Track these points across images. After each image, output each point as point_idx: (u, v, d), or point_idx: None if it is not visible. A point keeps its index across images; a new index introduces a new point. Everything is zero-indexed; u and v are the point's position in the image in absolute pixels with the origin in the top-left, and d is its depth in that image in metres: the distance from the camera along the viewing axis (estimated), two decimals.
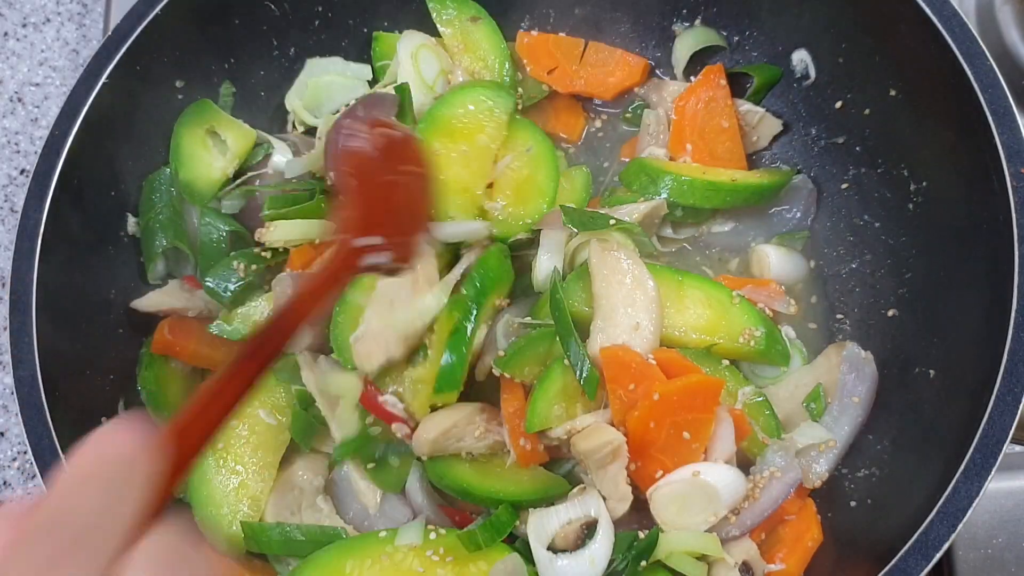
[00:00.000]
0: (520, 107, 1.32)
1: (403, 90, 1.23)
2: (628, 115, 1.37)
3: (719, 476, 1.05)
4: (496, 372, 1.11)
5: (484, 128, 1.22)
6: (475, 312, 1.10)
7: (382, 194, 0.95)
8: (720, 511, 1.06)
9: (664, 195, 1.22)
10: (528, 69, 1.35)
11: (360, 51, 1.37)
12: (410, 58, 1.30)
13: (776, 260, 1.25)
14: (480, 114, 1.23)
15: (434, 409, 1.12)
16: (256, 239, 1.20)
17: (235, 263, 1.20)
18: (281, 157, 1.27)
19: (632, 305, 1.11)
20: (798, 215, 1.29)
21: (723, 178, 1.23)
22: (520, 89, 1.34)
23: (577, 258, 1.20)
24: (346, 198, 0.92)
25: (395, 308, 1.09)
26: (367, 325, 1.09)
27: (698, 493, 1.05)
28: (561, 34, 1.37)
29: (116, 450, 0.52)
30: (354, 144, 0.97)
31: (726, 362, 1.16)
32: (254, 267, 1.21)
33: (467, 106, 1.23)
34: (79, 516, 0.49)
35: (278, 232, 1.17)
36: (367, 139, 0.98)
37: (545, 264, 1.17)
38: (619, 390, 1.07)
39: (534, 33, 1.36)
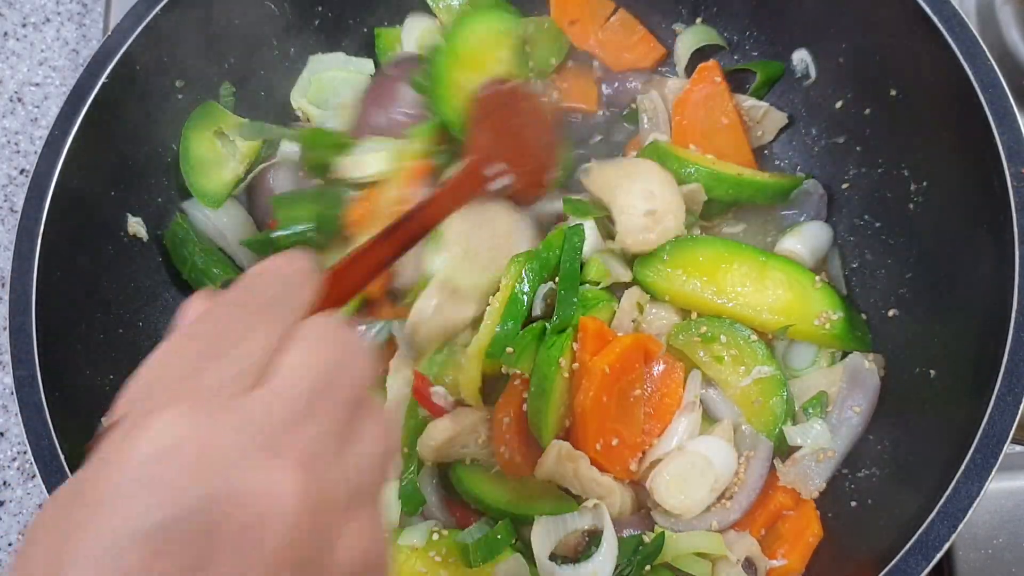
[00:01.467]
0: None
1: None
2: (625, 114, 1.36)
3: (706, 447, 1.09)
4: (505, 370, 1.11)
5: (498, 54, 1.23)
6: (530, 279, 1.11)
7: (510, 129, 1.14)
8: (720, 479, 1.08)
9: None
10: (552, 11, 1.34)
11: (360, 49, 1.37)
12: (416, 45, 1.30)
13: (802, 245, 1.22)
14: (492, 39, 1.23)
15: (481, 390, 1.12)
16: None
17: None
18: (291, 145, 1.28)
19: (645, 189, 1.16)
20: (809, 219, 1.28)
21: (746, 174, 1.23)
22: (531, 62, 1.33)
23: None
24: (476, 130, 1.12)
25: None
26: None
27: (691, 467, 1.08)
28: None
29: (293, 263, 0.60)
30: (486, 90, 1.15)
31: (754, 337, 1.15)
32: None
33: (479, 33, 1.22)
34: (263, 295, 0.56)
35: (369, 166, 1.20)
36: (497, 88, 1.16)
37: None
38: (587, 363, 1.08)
39: None
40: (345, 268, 0.75)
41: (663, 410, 1.13)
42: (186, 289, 1.29)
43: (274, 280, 0.58)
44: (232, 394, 0.49)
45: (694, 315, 1.19)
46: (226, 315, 0.54)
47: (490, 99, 1.15)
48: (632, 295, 1.16)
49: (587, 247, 1.16)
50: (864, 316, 1.19)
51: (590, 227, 1.18)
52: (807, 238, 1.23)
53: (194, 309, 0.58)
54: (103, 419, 1.13)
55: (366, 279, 0.77)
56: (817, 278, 1.18)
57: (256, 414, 0.49)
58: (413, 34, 1.31)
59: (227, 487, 0.46)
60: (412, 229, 0.87)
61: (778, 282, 1.16)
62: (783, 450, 1.14)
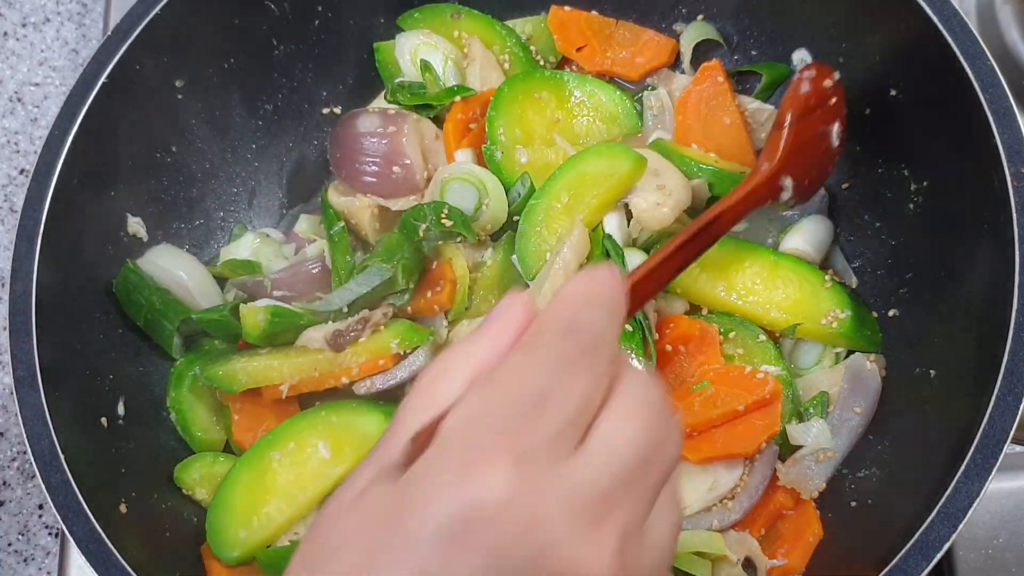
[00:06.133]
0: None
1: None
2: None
3: None
4: None
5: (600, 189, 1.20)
6: None
7: (811, 141, 1.11)
8: (720, 482, 1.08)
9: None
10: (556, 44, 1.34)
11: (361, 49, 1.37)
12: (411, 61, 1.30)
13: (807, 242, 1.22)
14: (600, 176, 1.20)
15: None
16: None
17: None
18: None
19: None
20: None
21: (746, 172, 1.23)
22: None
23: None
24: (784, 134, 1.08)
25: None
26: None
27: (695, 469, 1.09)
28: (593, 12, 1.36)
29: (609, 285, 0.58)
30: (805, 89, 1.09)
31: (763, 337, 1.16)
32: None
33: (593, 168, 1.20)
34: (584, 334, 0.54)
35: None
36: (816, 90, 1.11)
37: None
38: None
39: (567, 9, 1.35)
40: (643, 280, 0.76)
41: (695, 371, 1.15)
42: None
43: (593, 314, 0.56)
44: (556, 456, 0.49)
45: (704, 311, 1.19)
46: (546, 356, 0.52)
47: (809, 98, 1.09)
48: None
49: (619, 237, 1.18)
50: (875, 315, 1.19)
51: (613, 219, 1.19)
52: (809, 234, 1.22)
53: (512, 319, 0.57)
54: (103, 419, 1.13)
55: (659, 289, 0.80)
56: (827, 277, 1.18)
57: (582, 483, 0.49)
58: (406, 53, 1.30)
59: (552, 554, 0.46)
60: (709, 237, 0.91)
61: (788, 281, 1.17)
62: (785, 449, 1.14)
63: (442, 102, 1.27)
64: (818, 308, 1.16)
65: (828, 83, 1.11)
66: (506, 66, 1.33)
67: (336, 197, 1.27)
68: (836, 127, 1.13)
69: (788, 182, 1.09)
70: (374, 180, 1.25)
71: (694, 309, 1.20)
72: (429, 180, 1.26)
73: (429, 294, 1.19)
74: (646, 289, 0.82)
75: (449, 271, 1.19)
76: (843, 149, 1.15)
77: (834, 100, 1.12)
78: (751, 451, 1.10)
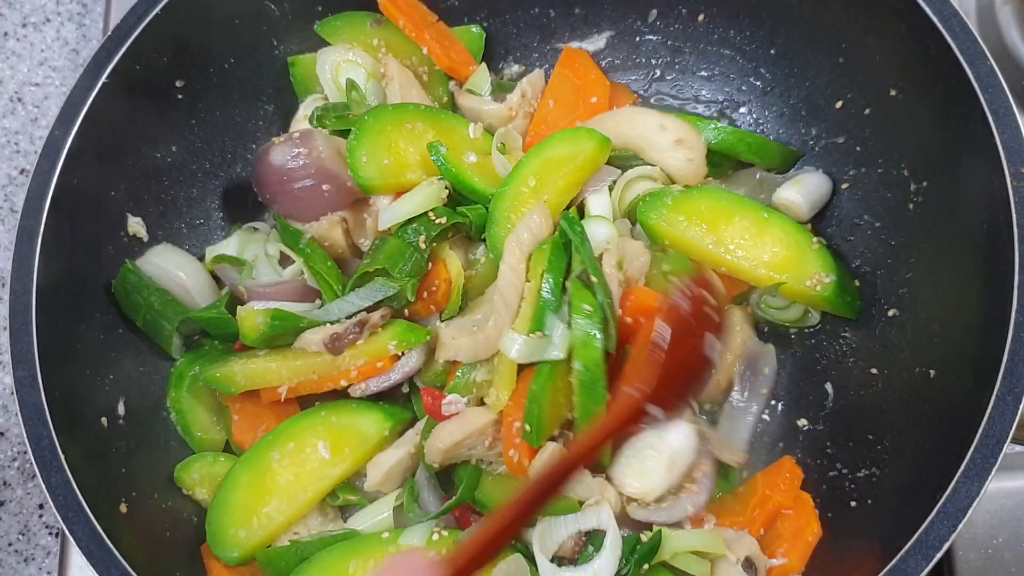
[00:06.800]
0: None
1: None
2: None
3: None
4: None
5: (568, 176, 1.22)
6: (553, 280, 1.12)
7: (682, 362, 0.98)
8: (677, 457, 1.11)
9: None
10: (402, 26, 1.31)
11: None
12: (331, 79, 1.29)
13: (801, 196, 1.23)
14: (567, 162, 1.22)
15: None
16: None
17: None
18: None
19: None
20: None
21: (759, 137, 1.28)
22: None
23: (626, 198, 1.24)
24: (651, 357, 0.95)
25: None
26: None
27: (646, 447, 1.11)
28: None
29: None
30: (680, 307, 0.99)
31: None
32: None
33: (558, 152, 1.22)
34: None
35: (398, 210, 1.18)
36: (691, 307, 1.00)
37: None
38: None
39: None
40: (476, 558, 0.75)
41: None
42: None
43: None
44: None
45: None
46: None
47: (688, 317, 0.99)
48: (612, 256, 1.16)
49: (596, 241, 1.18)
50: (856, 283, 1.21)
51: (598, 201, 1.22)
52: (807, 189, 1.24)
53: None
54: (103, 419, 1.13)
55: (499, 550, 0.78)
56: (815, 240, 1.20)
57: None
58: (327, 71, 1.29)
59: None
60: (552, 488, 0.85)
61: (776, 239, 1.19)
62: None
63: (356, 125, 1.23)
64: (804, 269, 1.18)
65: (707, 300, 1.01)
66: (424, 78, 1.33)
67: (302, 227, 1.25)
68: (711, 338, 1.02)
69: (657, 410, 0.97)
70: (311, 205, 1.23)
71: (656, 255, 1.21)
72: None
73: (425, 295, 1.19)
74: (482, 559, 0.78)
75: (444, 271, 1.20)
76: (714, 363, 1.04)
77: (710, 308, 1.02)
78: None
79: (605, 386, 1.06)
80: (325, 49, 1.31)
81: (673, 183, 1.25)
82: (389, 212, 1.20)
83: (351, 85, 1.28)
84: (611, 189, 1.25)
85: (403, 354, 1.17)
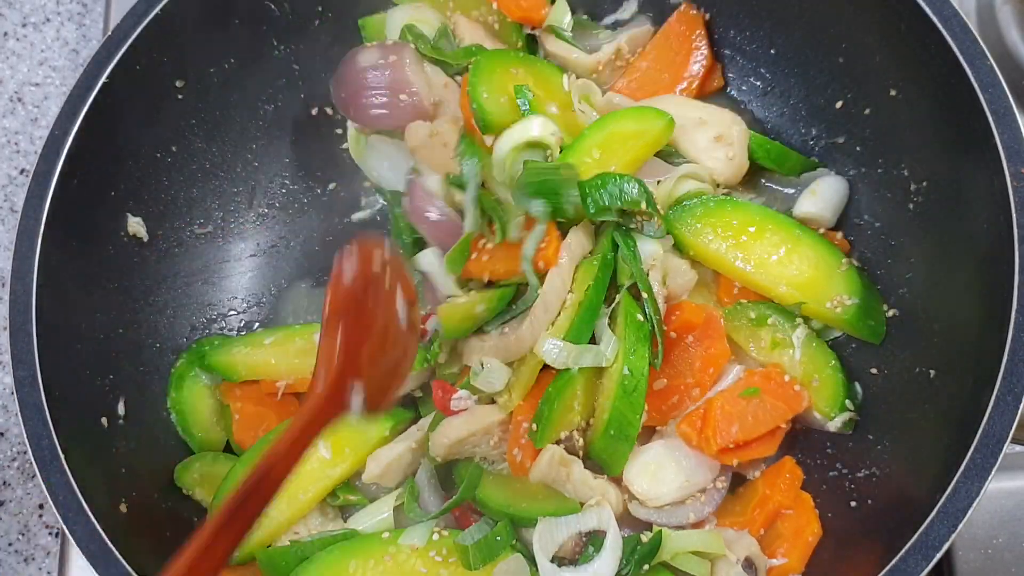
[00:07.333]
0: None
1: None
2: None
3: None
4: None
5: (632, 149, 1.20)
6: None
7: (373, 340, 0.90)
8: (692, 479, 1.10)
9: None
10: None
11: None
12: (398, 33, 1.29)
13: (820, 205, 1.21)
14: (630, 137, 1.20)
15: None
16: None
17: None
18: None
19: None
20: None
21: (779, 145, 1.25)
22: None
23: (674, 194, 1.20)
24: (337, 342, 0.87)
25: None
26: None
27: (670, 459, 1.11)
28: None
29: None
30: (348, 277, 0.90)
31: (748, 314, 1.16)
32: None
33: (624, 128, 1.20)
34: None
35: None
36: (364, 280, 0.91)
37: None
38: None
39: None
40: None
41: (708, 362, 1.15)
42: (189, 287, 1.30)
43: None
44: None
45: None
46: None
47: (356, 289, 0.90)
48: (657, 272, 1.15)
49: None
50: (886, 309, 1.18)
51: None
52: (824, 195, 1.22)
53: None
54: (103, 419, 1.13)
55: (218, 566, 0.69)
56: (844, 260, 1.17)
57: None
58: (396, 29, 1.29)
59: None
60: (263, 496, 0.74)
61: (805, 258, 1.16)
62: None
63: (459, 62, 1.26)
64: (827, 290, 1.16)
65: (377, 259, 0.92)
66: (496, 27, 1.32)
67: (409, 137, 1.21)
68: (401, 304, 0.94)
69: (358, 391, 0.87)
70: (384, 112, 1.23)
71: (703, 272, 1.19)
72: (437, 106, 1.24)
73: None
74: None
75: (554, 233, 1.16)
76: (419, 330, 1.00)
77: (390, 274, 0.93)
78: (773, 452, 1.13)
79: (644, 395, 1.07)
80: (394, 8, 1.32)
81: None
82: (508, 138, 1.17)
83: (418, 36, 1.27)
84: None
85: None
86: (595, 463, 1.12)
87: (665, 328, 1.12)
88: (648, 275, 1.12)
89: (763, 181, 1.29)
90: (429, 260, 1.21)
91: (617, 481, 1.13)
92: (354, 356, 0.87)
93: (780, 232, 1.17)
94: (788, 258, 1.17)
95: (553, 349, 1.07)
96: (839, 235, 1.22)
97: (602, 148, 1.18)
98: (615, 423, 1.07)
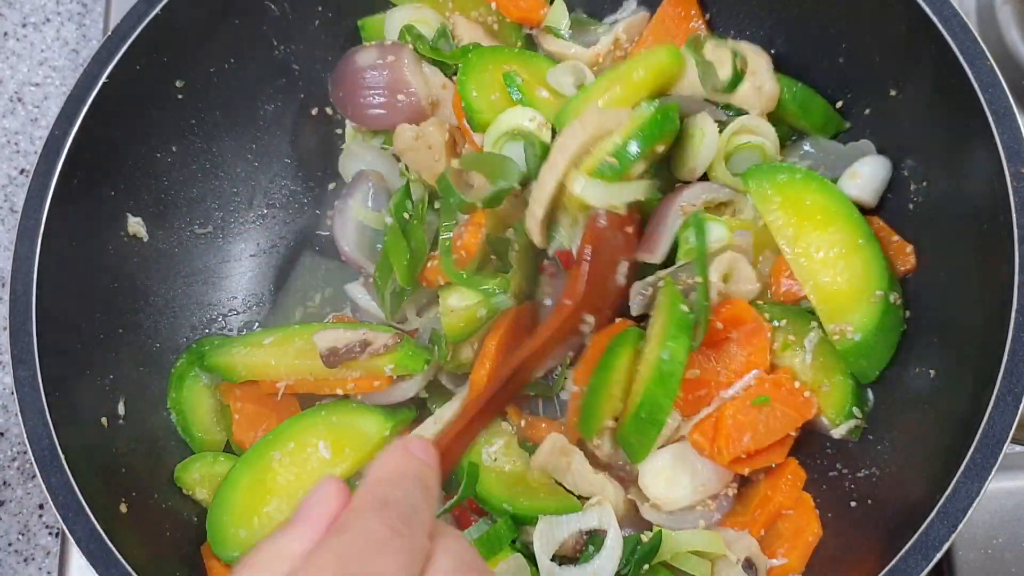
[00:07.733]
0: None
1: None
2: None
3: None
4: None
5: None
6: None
7: (607, 277, 1.12)
8: (708, 485, 1.10)
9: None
10: None
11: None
12: (397, 34, 1.29)
13: (863, 189, 1.15)
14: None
15: None
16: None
17: None
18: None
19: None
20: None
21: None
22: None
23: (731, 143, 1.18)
24: (582, 272, 1.09)
25: None
26: None
27: (685, 462, 1.10)
28: None
29: (419, 458, 0.63)
30: (602, 223, 1.10)
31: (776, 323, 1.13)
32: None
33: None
34: (400, 507, 0.57)
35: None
36: (609, 227, 1.11)
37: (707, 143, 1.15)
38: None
39: None
40: (454, 441, 0.82)
41: (746, 366, 1.12)
42: (189, 287, 1.29)
43: (405, 490, 0.59)
44: None
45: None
46: (359, 538, 0.54)
47: (602, 236, 1.10)
48: (721, 265, 1.13)
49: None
50: (888, 356, 1.13)
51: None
52: (866, 177, 1.15)
53: (326, 504, 0.59)
54: (103, 419, 1.13)
55: (470, 444, 0.86)
56: (878, 293, 1.09)
57: None
58: (396, 30, 1.30)
59: None
60: (516, 386, 0.92)
61: (849, 270, 1.09)
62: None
63: (457, 62, 1.25)
64: (842, 312, 1.10)
65: (620, 219, 1.11)
66: (495, 27, 1.32)
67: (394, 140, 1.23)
68: (624, 265, 1.14)
69: (589, 318, 1.12)
70: (381, 112, 1.24)
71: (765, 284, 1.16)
72: (434, 106, 1.25)
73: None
74: (458, 448, 0.85)
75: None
76: (631, 282, 1.14)
77: (629, 232, 1.13)
78: (782, 460, 1.12)
79: (679, 381, 1.04)
80: (394, 9, 1.32)
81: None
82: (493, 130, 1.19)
83: (417, 36, 1.28)
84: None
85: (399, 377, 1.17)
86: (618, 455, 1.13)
87: (711, 317, 1.08)
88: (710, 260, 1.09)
89: (806, 147, 1.22)
90: (358, 291, 1.26)
91: (633, 482, 1.13)
92: (592, 290, 1.10)
93: (844, 232, 1.10)
94: (833, 262, 1.09)
95: (578, 182, 1.07)
96: (909, 248, 1.13)
97: (606, 92, 1.16)
98: (647, 406, 1.04)
